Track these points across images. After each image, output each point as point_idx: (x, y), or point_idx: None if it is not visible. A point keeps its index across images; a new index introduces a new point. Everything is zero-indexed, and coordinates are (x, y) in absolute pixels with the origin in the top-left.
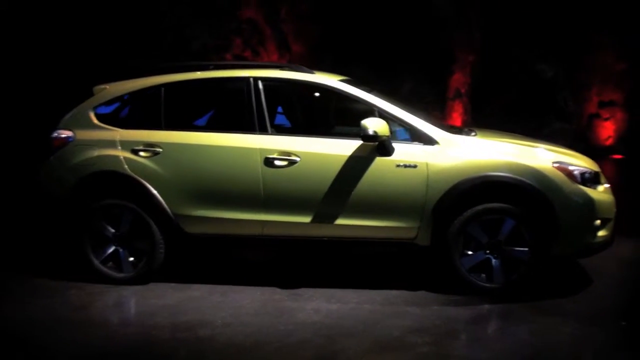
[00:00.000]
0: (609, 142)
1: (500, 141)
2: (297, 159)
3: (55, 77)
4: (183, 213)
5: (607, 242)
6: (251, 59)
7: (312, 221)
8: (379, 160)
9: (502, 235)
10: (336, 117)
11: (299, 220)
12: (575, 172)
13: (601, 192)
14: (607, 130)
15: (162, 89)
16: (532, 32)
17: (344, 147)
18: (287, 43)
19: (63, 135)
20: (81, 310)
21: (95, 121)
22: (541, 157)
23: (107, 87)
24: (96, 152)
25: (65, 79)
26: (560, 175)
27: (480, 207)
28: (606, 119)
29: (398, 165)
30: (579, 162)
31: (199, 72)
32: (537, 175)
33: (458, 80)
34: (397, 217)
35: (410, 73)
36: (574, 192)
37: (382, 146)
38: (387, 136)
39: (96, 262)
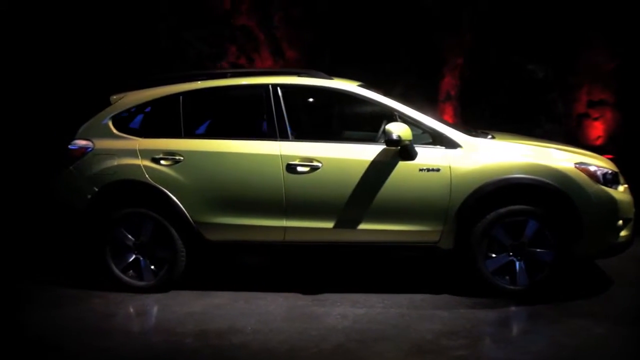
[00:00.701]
0: (599, 142)
1: (521, 143)
2: (319, 164)
3: (53, 78)
4: (204, 220)
5: (628, 242)
6: (246, 65)
7: (335, 226)
8: (402, 165)
9: (526, 237)
10: (356, 122)
11: (321, 226)
12: (598, 173)
13: (622, 193)
14: (597, 130)
15: (181, 97)
16: (523, 33)
17: (366, 152)
18: (280, 49)
19: (81, 145)
20: (108, 319)
21: (114, 130)
22: (563, 158)
23: (125, 96)
24: (116, 162)
25: (64, 81)
26: (582, 176)
27: (503, 210)
28: (596, 119)
29: (421, 169)
30: (600, 163)
31: (217, 80)
32: (560, 177)
33: (448, 82)
34: (420, 221)
35: (402, 75)
36: (597, 193)
37: (404, 150)
38: (410, 140)
39: (117, 270)
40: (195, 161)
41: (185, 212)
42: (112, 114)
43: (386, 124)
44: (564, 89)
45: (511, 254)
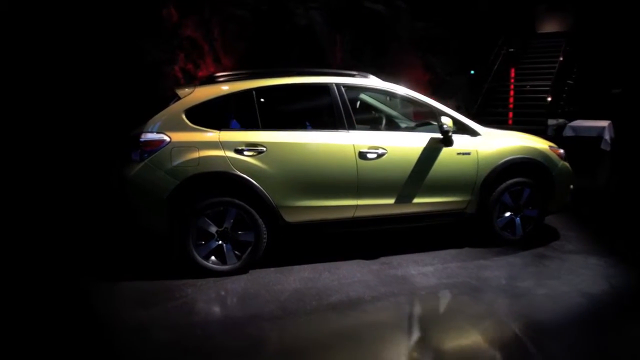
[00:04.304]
0: None
1: (514, 132)
2: (385, 151)
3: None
4: (286, 204)
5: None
6: (192, 71)
7: (396, 202)
8: (445, 150)
9: (522, 201)
10: (403, 115)
11: (385, 202)
12: (561, 152)
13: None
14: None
15: (254, 92)
16: (376, 54)
17: (418, 140)
18: (219, 57)
19: (155, 138)
20: (221, 306)
21: (189, 124)
22: (541, 142)
23: (194, 90)
24: (197, 154)
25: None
26: (554, 155)
27: (511, 181)
28: None
29: (458, 153)
30: (557, 146)
31: (286, 78)
32: (544, 156)
33: None
34: (455, 193)
35: None
36: (563, 166)
37: (447, 138)
38: (452, 130)
39: (200, 258)
40: (279, 151)
41: (270, 198)
42: (185, 108)
43: (384, 117)
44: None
45: (512, 213)
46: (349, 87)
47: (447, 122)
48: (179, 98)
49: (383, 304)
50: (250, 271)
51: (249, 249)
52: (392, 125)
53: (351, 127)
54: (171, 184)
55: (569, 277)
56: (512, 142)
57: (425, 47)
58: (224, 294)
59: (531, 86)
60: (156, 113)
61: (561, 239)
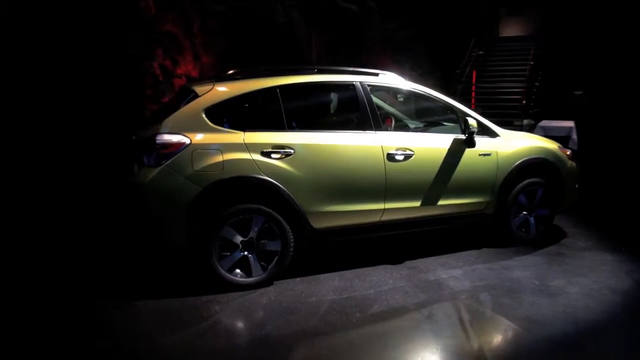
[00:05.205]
0: None
1: (526, 133)
2: (412, 153)
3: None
4: (313, 210)
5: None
6: (170, 67)
7: (422, 204)
8: (468, 151)
9: (537, 200)
10: (425, 115)
11: (411, 205)
12: (568, 152)
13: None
14: None
15: (278, 90)
16: (345, 51)
17: (442, 141)
18: (198, 55)
19: (175, 141)
20: (265, 325)
21: (210, 124)
22: (551, 143)
23: (213, 88)
24: (222, 157)
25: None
26: (563, 155)
27: (526, 182)
28: None
29: (480, 154)
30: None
31: (311, 76)
32: (556, 156)
33: None
34: (477, 194)
35: None
36: (570, 166)
37: (470, 140)
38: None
39: (223, 271)
40: (307, 153)
41: (298, 204)
42: (205, 107)
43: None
44: None
45: (526, 213)
46: (372, 87)
47: (472, 123)
48: (196, 95)
49: (430, 311)
50: (275, 282)
51: (276, 258)
52: (400, 125)
53: (378, 127)
54: (193, 190)
55: (593, 274)
56: (528, 142)
57: (396, 48)
58: (256, 310)
59: (504, 88)
60: (166, 112)
61: (570, 237)
